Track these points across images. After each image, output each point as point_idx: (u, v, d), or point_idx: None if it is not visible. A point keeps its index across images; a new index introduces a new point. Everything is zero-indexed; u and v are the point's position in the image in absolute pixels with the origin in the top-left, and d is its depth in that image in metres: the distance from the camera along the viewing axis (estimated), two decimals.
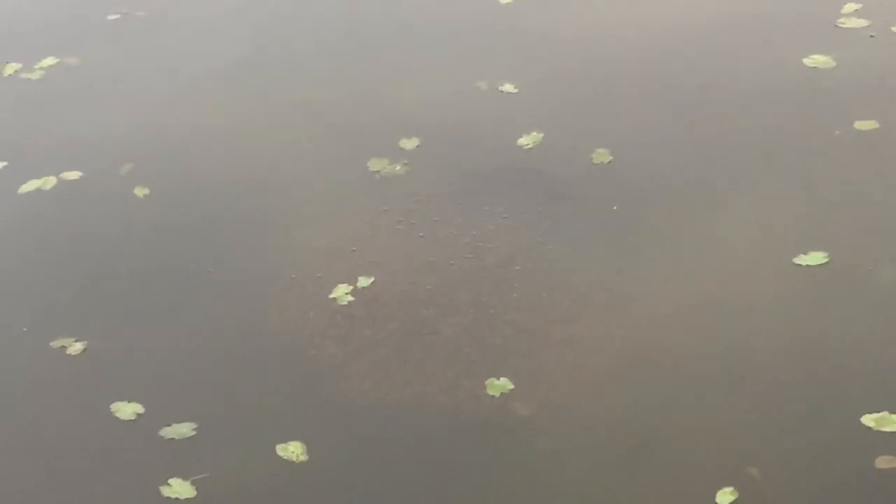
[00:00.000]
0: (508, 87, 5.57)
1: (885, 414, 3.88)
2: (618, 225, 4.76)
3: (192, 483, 3.97)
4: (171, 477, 3.99)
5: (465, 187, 5.04)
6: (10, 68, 6.19)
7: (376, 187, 5.10)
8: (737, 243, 4.61)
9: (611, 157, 5.07)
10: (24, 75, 6.14)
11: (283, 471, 3.99)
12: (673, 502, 3.75)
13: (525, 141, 5.23)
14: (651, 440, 3.93)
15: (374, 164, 5.21)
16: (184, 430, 4.15)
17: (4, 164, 5.51)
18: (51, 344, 4.54)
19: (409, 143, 5.30)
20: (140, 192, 5.22)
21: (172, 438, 4.13)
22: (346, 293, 4.58)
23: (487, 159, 5.17)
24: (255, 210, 5.07)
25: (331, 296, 4.59)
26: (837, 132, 5.07)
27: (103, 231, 5.08)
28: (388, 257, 4.74)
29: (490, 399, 4.13)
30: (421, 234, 4.83)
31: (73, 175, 5.37)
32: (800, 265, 4.46)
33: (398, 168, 5.18)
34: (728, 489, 3.73)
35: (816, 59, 5.47)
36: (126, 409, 4.25)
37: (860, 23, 5.68)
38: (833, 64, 5.43)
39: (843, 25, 5.68)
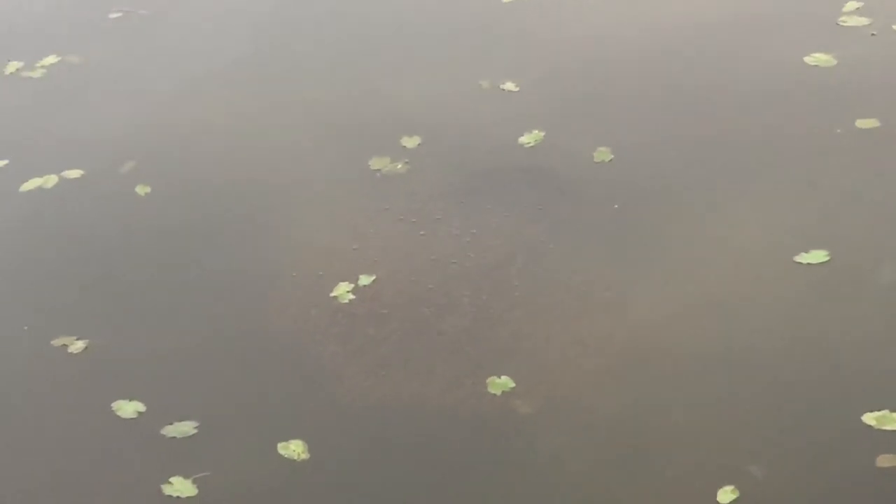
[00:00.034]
0: (510, 86, 5.57)
1: (885, 412, 3.88)
2: (618, 223, 4.76)
3: (194, 481, 3.98)
4: (173, 475, 3.99)
5: (467, 186, 5.04)
6: (12, 66, 6.19)
7: (377, 186, 5.10)
8: (737, 242, 4.61)
9: (612, 156, 5.07)
10: (25, 74, 6.14)
11: (285, 469, 3.99)
12: (673, 502, 3.75)
13: (526, 139, 5.23)
14: (651, 440, 3.93)
15: (376, 163, 5.21)
16: (185, 428, 4.15)
17: (6, 162, 5.51)
18: (52, 342, 4.54)
19: (411, 142, 5.30)
20: (142, 190, 5.22)
21: (174, 437, 4.13)
22: (348, 291, 4.59)
23: (489, 158, 5.17)
24: (257, 208, 5.07)
25: (332, 294, 4.59)
26: (839, 130, 5.07)
27: (105, 229, 5.08)
28: (390, 256, 4.74)
29: (491, 397, 4.13)
30: (422, 233, 4.83)
31: (75, 173, 5.37)
32: (801, 263, 4.46)
33: (399, 167, 5.18)
34: (729, 487, 3.74)
35: (817, 58, 5.46)
36: (127, 408, 4.25)
37: (861, 21, 5.68)
38: (834, 62, 5.43)
39: (845, 24, 5.68)
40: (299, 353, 4.39)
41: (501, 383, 4.16)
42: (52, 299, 4.76)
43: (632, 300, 4.41)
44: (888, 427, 3.85)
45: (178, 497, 3.94)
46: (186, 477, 3.99)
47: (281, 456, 4.02)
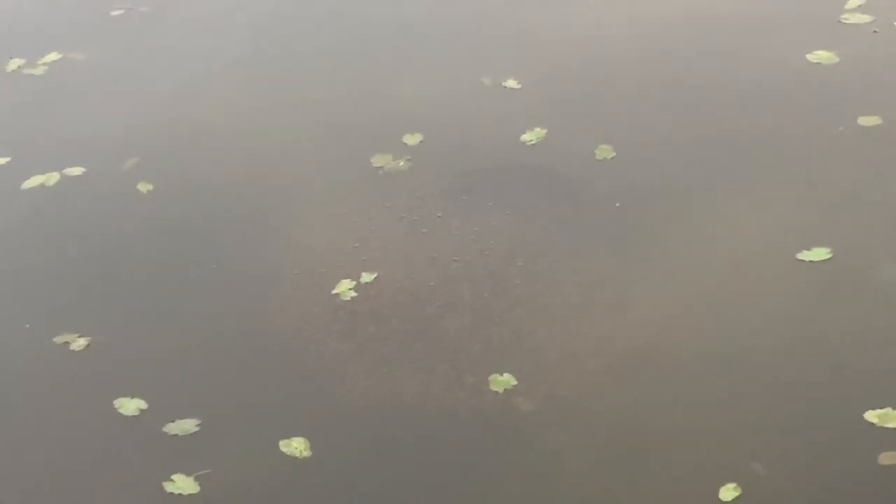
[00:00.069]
0: (512, 83, 5.57)
1: (888, 410, 3.88)
2: (620, 222, 4.75)
3: (196, 479, 3.98)
4: (175, 473, 4.00)
5: (468, 183, 5.04)
6: (14, 64, 6.19)
7: (379, 183, 5.10)
8: (739, 240, 4.61)
9: (614, 154, 5.07)
10: (27, 71, 6.14)
11: (287, 467, 3.99)
12: (673, 502, 3.75)
13: (528, 137, 5.23)
14: (651, 439, 3.93)
15: (378, 160, 5.20)
16: (187, 425, 4.16)
17: (7, 159, 5.52)
18: (54, 340, 4.55)
19: (413, 139, 5.30)
20: (144, 187, 5.22)
21: (176, 434, 4.14)
22: (349, 288, 4.59)
23: (490, 155, 5.17)
24: (258, 207, 5.07)
25: (333, 291, 4.59)
26: (841, 128, 5.06)
27: (107, 227, 5.08)
28: (391, 254, 4.74)
29: (493, 395, 4.13)
30: (424, 231, 4.83)
31: (76, 171, 5.38)
32: (803, 261, 4.46)
33: (401, 164, 5.18)
34: (731, 485, 3.74)
35: (820, 55, 5.46)
36: (129, 405, 4.26)
37: (863, 18, 5.67)
38: (836, 60, 5.43)
39: (847, 21, 5.67)
40: (301, 350, 4.39)
41: (504, 380, 4.17)
42: (54, 297, 4.76)
43: (632, 299, 4.41)
44: (890, 425, 3.85)
45: (179, 494, 3.94)
46: (188, 474, 3.99)
47: (282, 453, 4.02)
